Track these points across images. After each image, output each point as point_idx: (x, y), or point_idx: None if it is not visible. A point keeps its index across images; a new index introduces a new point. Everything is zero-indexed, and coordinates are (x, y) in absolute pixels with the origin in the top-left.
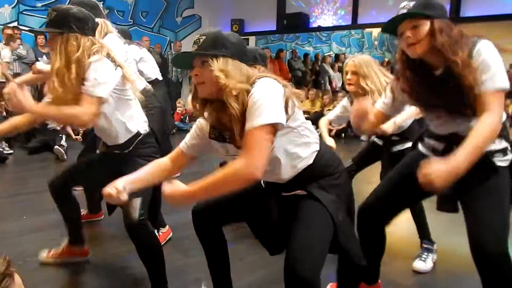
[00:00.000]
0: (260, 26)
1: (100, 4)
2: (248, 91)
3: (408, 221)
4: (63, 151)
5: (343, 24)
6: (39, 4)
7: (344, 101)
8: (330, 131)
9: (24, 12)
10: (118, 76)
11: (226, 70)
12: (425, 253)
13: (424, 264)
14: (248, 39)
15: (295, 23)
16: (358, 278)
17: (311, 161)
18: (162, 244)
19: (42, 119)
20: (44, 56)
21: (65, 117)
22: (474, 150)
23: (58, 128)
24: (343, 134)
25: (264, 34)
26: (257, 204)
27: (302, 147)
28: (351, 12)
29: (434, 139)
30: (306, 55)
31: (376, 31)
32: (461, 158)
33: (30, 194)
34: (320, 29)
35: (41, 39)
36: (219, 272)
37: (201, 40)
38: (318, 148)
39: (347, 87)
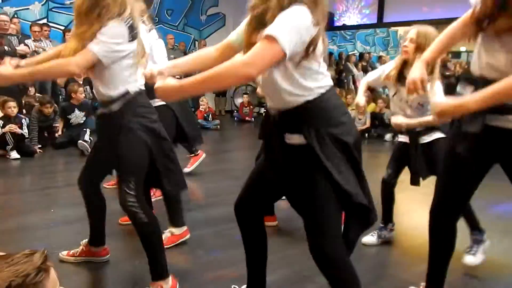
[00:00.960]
0: None
1: None
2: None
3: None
4: (88, 146)
5: (368, 22)
6: (67, 2)
7: (387, 66)
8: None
9: (53, 10)
10: (128, 47)
11: None
12: (475, 246)
13: (473, 258)
14: None
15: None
16: (362, 223)
17: (310, 98)
18: (172, 245)
19: (32, 80)
20: None
21: (52, 69)
22: (493, 95)
23: (82, 121)
24: (366, 134)
25: None
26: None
27: (306, 78)
28: (376, 10)
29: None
30: (330, 54)
31: (402, 30)
32: (476, 97)
33: (57, 188)
34: (344, 27)
35: (69, 36)
36: (256, 266)
37: None
38: (323, 91)
39: (402, 53)
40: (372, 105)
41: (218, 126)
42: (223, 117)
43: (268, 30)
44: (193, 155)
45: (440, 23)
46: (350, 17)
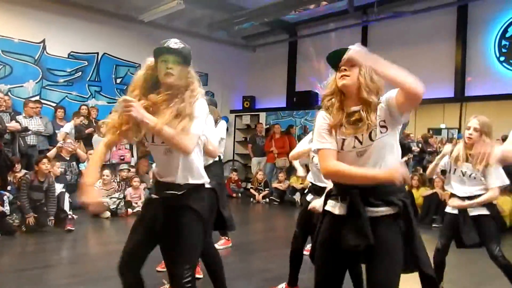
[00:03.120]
0: (271, 102)
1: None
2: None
3: None
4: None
5: None
6: (61, 80)
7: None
8: None
9: (46, 87)
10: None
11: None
12: None
13: None
14: (258, 114)
15: (304, 100)
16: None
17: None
18: None
19: (157, 134)
20: (62, 129)
21: (178, 142)
22: None
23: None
24: None
25: (274, 110)
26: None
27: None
28: None
29: None
30: None
31: None
32: None
33: (37, 269)
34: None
35: (60, 113)
36: None
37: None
38: None
39: (466, 140)
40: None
41: None
42: None
43: None
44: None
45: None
46: None
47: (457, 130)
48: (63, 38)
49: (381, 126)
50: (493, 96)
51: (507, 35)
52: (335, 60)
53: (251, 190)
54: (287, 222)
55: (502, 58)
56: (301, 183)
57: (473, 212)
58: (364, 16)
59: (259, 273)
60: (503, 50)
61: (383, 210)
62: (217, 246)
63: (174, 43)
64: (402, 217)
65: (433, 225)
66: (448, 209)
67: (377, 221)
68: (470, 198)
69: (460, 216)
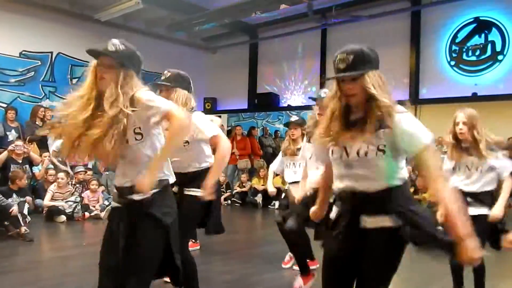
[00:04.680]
0: (232, 104)
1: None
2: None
3: None
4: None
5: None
6: (12, 80)
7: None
8: None
9: None
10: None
11: (376, 83)
12: None
13: None
14: (220, 116)
15: (265, 102)
16: None
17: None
18: None
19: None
20: (13, 130)
21: (177, 140)
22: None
23: None
24: None
25: (236, 112)
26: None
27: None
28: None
29: None
30: (276, 132)
31: None
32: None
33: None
34: (289, 108)
35: (11, 114)
36: None
37: (349, 58)
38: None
39: (459, 135)
40: None
41: None
42: None
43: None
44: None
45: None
46: (295, 99)
47: None
48: (14, 36)
49: (379, 150)
50: (445, 99)
51: (457, 40)
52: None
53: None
54: (249, 224)
55: (452, 63)
56: (262, 185)
57: (473, 212)
58: (323, 19)
59: (219, 275)
60: (453, 55)
61: (379, 221)
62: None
63: (112, 44)
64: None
65: None
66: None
67: (372, 233)
68: (477, 194)
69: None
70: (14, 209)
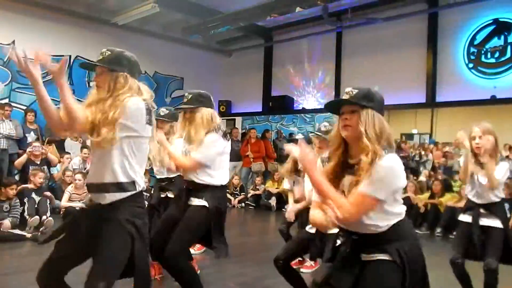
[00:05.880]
0: (247, 107)
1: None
2: (377, 154)
3: None
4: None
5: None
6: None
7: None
8: None
9: (16, 90)
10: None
11: (370, 122)
12: None
13: None
14: (234, 119)
15: (280, 105)
16: None
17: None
18: None
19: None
20: (32, 132)
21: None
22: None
23: None
24: None
25: (250, 115)
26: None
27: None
28: (333, 94)
29: None
30: (291, 135)
31: None
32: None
33: (4, 276)
34: (304, 111)
35: (30, 116)
36: None
37: (353, 92)
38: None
39: (475, 149)
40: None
41: None
42: None
43: (363, 189)
44: None
45: (395, 108)
46: (309, 101)
47: (428, 135)
48: (34, 40)
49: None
50: (462, 102)
51: (475, 42)
52: (333, 108)
53: (227, 195)
54: (263, 227)
55: (470, 65)
56: (276, 188)
57: (483, 222)
58: (338, 22)
59: (233, 278)
60: (471, 57)
61: (377, 256)
62: (193, 251)
63: (100, 53)
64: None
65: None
66: (461, 217)
67: (370, 264)
68: (486, 205)
69: (473, 226)
70: (5, 223)
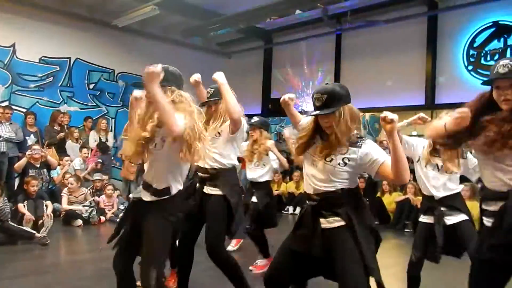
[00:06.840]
0: (246, 109)
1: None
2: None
3: None
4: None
5: None
6: (31, 85)
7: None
8: None
9: (16, 92)
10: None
11: (342, 120)
12: None
13: None
14: None
15: (279, 107)
16: None
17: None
18: None
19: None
20: (32, 135)
21: (169, 115)
22: None
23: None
24: None
25: (250, 117)
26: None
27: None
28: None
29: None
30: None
31: (367, 114)
32: None
33: (5, 280)
34: (303, 113)
35: (30, 119)
36: None
37: (323, 98)
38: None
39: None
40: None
41: None
42: None
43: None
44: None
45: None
46: (309, 103)
47: None
48: (34, 42)
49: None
50: (462, 104)
51: (475, 45)
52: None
53: None
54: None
55: (470, 67)
56: (276, 189)
57: (452, 221)
58: (338, 24)
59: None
60: (471, 60)
61: (334, 221)
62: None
63: None
64: (348, 230)
65: (406, 230)
66: (422, 218)
67: (333, 232)
68: (444, 198)
69: (435, 226)
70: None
